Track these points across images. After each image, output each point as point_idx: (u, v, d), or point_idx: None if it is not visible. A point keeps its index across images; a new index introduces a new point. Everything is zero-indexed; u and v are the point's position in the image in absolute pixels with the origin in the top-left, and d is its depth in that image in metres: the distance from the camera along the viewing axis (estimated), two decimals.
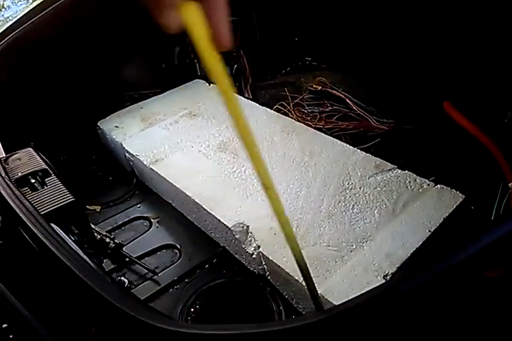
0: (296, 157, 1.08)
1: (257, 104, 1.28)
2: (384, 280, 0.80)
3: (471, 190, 0.98)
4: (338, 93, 1.17)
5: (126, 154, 1.21)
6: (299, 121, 1.20)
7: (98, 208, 1.12)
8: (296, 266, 0.82)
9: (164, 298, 0.91)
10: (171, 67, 1.47)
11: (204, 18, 0.40)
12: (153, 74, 1.44)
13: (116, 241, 0.98)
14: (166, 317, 0.59)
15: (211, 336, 0.50)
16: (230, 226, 0.92)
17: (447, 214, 0.92)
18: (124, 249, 0.98)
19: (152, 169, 1.11)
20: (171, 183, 1.06)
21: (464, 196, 0.96)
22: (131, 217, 1.10)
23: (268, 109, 1.25)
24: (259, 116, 1.23)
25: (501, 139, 0.98)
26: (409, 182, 1.00)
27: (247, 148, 0.48)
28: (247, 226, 0.92)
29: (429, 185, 0.99)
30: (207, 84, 1.41)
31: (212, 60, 0.41)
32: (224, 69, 0.42)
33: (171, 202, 1.15)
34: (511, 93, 1.00)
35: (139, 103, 1.35)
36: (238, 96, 1.33)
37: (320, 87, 1.21)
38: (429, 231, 0.88)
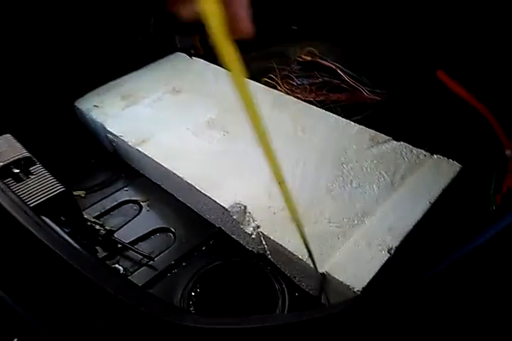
0: (288, 132, 1.06)
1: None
2: (388, 255, 0.80)
3: (468, 159, 0.99)
4: (328, 63, 1.14)
5: (109, 135, 1.16)
6: (288, 94, 1.17)
7: (83, 193, 1.08)
8: (300, 244, 0.82)
9: (162, 283, 0.89)
10: (147, 39, 1.39)
11: (223, 5, 0.39)
12: (129, 48, 1.36)
13: (106, 227, 0.95)
14: (178, 310, 0.58)
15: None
16: (226, 207, 0.90)
17: (446, 185, 0.92)
18: (115, 235, 0.96)
19: (139, 150, 1.07)
20: (160, 164, 1.02)
21: (460, 166, 0.97)
22: (119, 201, 1.07)
23: (256, 82, 1.21)
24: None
25: (496, 106, 0.98)
26: (406, 153, 1.00)
27: (260, 141, 0.51)
28: (245, 207, 0.90)
29: (425, 155, 0.99)
30: (188, 57, 1.34)
31: (228, 49, 0.42)
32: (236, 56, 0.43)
33: (160, 183, 1.12)
34: (504, 60, 1.00)
35: (118, 79, 1.28)
36: (222, 69, 1.28)
37: (309, 58, 1.17)
38: (429, 202, 0.89)
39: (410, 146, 1.01)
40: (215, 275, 0.90)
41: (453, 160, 0.98)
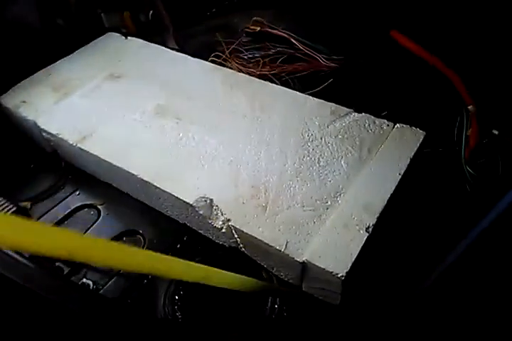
0: (246, 113, 1.00)
1: (188, 56, 1.14)
2: (367, 234, 0.79)
3: (432, 123, 0.99)
4: (279, 32, 1.07)
5: (44, 134, 1.05)
6: (240, 70, 1.10)
7: (28, 204, 0.98)
8: (275, 234, 0.79)
9: (140, 291, 0.84)
10: (70, 21, 1.25)
11: None
12: (51, 32, 1.22)
13: None
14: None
15: None
16: (190, 202, 0.84)
17: (413, 154, 0.91)
18: None
19: (81, 148, 0.97)
20: (109, 162, 0.94)
21: (424, 132, 0.96)
22: (73, 208, 0.98)
23: (202, 60, 1.12)
24: (192, 69, 1.11)
25: (455, 62, 0.97)
26: (369, 125, 0.97)
27: None
28: (211, 200, 0.85)
29: (388, 125, 0.97)
30: (122, 37, 1.23)
31: None
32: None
33: (111, 183, 1.03)
34: (457, 14, 0.98)
35: (45, 69, 1.15)
36: (163, 48, 1.18)
37: (258, 28, 1.09)
38: (400, 174, 0.88)
39: (372, 117, 0.99)
40: None
41: (416, 127, 0.97)
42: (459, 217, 0.90)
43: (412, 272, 0.82)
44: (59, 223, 0.96)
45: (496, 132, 0.96)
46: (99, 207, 0.99)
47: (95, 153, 0.96)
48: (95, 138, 0.98)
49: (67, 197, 1.02)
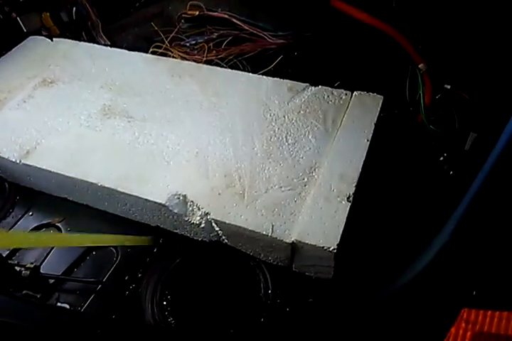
0: (201, 101, 1.00)
1: (124, 50, 1.12)
2: (349, 203, 0.82)
3: (383, 86, 1.04)
4: (219, 14, 1.07)
5: None
6: (184, 59, 1.09)
7: None
8: (259, 219, 0.80)
9: (125, 305, 0.82)
10: None
11: None
12: None
13: (26, 265, 0.83)
14: None
15: None
16: (163, 202, 0.84)
17: (376, 118, 0.96)
18: (41, 270, 0.84)
19: (26, 164, 0.93)
20: (61, 174, 0.91)
21: (382, 97, 1.01)
22: (29, 230, 0.94)
23: (141, 53, 1.11)
24: (133, 64, 1.09)
25: (400, 23, 1.02)
26: (328, 96, 1.01)
27: None
28: (184, 196, 0.84)
29: (346, 94, 1.01)
30: (47, 40, 1.17)
31: None
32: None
33: (66, 196, 1.00)
34: None
35: None
36: (95, 45, 1.15)
37: (196, 12, 1.09)
38: (367, 140, 0.92)
39: (329, 88, 1.02)
40: (180, 274, 0.85)
41: (373, 92, 1.02)
42: (430, 173, 0.96)
43: (398, 237, 0.87)
44: (16, 250, 0.91)
45: (448, 86, 1.02)
46: (58, 224, 0.96)
47: (43, 167, 0.92)
48: (40, 151, 0.94)
49: (19, 220, 0.97)
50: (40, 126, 0.98)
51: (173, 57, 1.12)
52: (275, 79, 1.03)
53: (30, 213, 0.98)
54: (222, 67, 1.10)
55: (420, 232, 0.86)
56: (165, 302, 0.82)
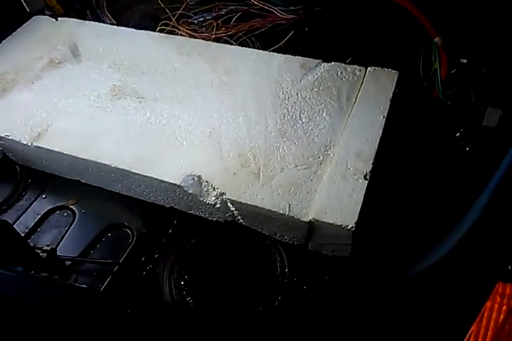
0: (212, 80, 0.98)
1: (132, 29, 1.10)
2: (366, 181, 0.81)
3: (396, 61, 1.02)
4: None
5: None
6: (192, 36, 1.07)
7: None
8: (276, 199, 0.80)
9: (142, 285, 0.83)
10: None
11: None
12: None
13: (43, 247, 0.83)
14: None
15: None
16: (178, 183, 0.83)
17: (391, 94, 0.94)
18: (58, 253, 0.84)
19: (38, 147, 0.92)
20: (73, 156, 0.90)
21: (397, 72, 0.99)
22: (43, 213, 0.94)
23: (149, 31, 1.08)
24: (141, 42, 1.07)
25: None
26: (341, 73, 0.99)
27: None
28: (199, 176, 0.84)
29: (360, 70, 0.99)
30: (52, 19, 1.15)
31: None
32: None
33: (79, 178, 0.99)
34: None
35: None
36: (101, 24, 1.12)
37: None
38: (383, 117, 0.90)
39: (343, 64, 1.00)
40: (197, 254, 0.86)
41: (388, 67, 0.99)
42: (446, 150, 0.95)
43: (415, 214, 0.86)
44: (31, 232, 0.92)
45: (464, 61, 1.00)
46: (71, 207, 0.96)
47: (56, 149, 0.91)
48: (52, 133, 0.93)
49: (32, 203, 0.97)
50: (50, 107, 0.97)
51: (180, 35, 1.10)
52: (287, 55, 1.01)
53: (44, 196, 0.98)
54: (231, 44, 1.07)
55: (437, 209, 0.86)
56: (182, 282, 0.82)
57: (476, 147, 0.95)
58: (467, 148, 0.96)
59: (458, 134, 0.98)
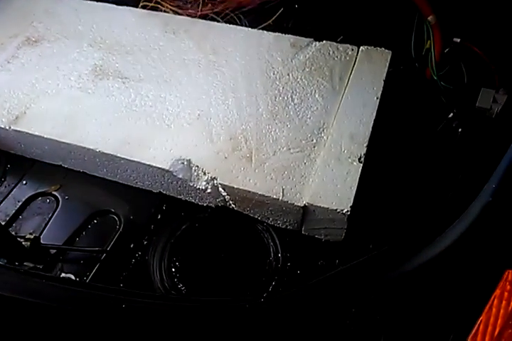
0: (199, 59, 0.94)
1: (113, 5, 1.04)
2: (361, 164, 0.80)
3: (389, 39, 1.00)
4: None
5: None
6: (177, 13, 1.02)
7: None
8: (269, 183, 0.78)
9: (131, 273, 0.80)
10: None
11: None
12: None
13: (26, 236, 0.80)
14: None
15: None
16: (166, 168, 0.80)
17: (385, 75, 0.92)
18: (42, 241, 0.81)
19: (16, 131, 0.88)
20: (54, 140, 0.86)
21: (390, 51, 0.96)
22: (24, 199, 0.90)
23: (131, 7, 1.03)
24: (123, 19, 1.01)
25: None
26: (333, 52, 0.96)
27: None
28: (188, 161, 0.81)
29: (353, 49, 0.97)
30: None
31: None
32: None
33: (61, 163, 0.95)
34: None
35: None
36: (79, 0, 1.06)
37: None
38: (377, 98, 0.88)
39: (335, 43, 0.97)
40: (188, 241, 0.84)
41: (380, 47, 0.97)
42: (439, 131, 0.94)
43: (408, 196, 0.85)
44: (12, 220, 0.88)
45: (457, 40, 0.98)
46: (54, 193, 0.92)
47: (35, 133, 0.87)
48: (30, 116, 0.89)
49: (12, 189, 0.93)
50: (27, 88, 0.92)
51: (164, 11, 1.05)
52: (276, 34, 0.97)
53: (24, 182, 0.94)
54: (218, 21, 1.03)
55: (431, 190, 0.85)
56: (173, 269, 0.80)
57: (468, 128, 0.94)
58: (459, 130, 0.96)
59: (451, 115, 0.97)
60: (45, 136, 0.86)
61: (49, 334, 0.54)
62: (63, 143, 0.86)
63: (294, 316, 0.50)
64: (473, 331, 0.38)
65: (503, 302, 0.38)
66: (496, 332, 0.36)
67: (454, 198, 0.65)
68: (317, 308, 0.50)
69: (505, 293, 0.38)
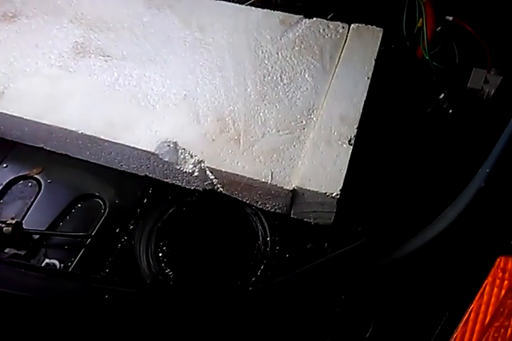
0: (185, 37, 0.90)
1: None
2: (351, 147, 0.78)
3: (379, 17, 0.97)
4: None
5: None
6: None
7: None
8: (258, 166, 0.76)
9: (118, 258, 0.79)
10: None
11: None
12: None
13: (7, 221, 0.78)
14: None
15: None
16: (152, 150, 0.78)
17: (376, 54, 0.90)
18: (24, 226, 0.79)
19: None
20: (34, 121, 0.83)
21: (382, 29, 0.94)
22: (5, 183, 0.88)
23: None
24: None
25: None
26: (323, 30, 0.93)
27: None
28: (174, 143, 0.79)
29: (343, 27, 0.94)
30: None
31: None
32: None
33: (42, 145, 0.93)
34: None
35: None
36: None
37: None
38: (368, 78, 0.87)
39: (325, 21, 0.94)
40: (175, 225, 0.82)
41: (371, 25, 0.95)
42: (430, 112, 0.93)
43: (399, 179, 0.85)
44: None
45: (450, 18, 0.96)
46: (36, 176, 0.89)
47: (15, 114, 0.84)
48: (9, 96, 0.85)
49: None
50: (5, 67, 0.88)
51: None
52: (265, 10, 0.94)
53: (5, 165, 0.91)
54: None
55: (422, 173, 0.85)
56: (161, 254, 0.79)
57: (459, 109, 0.93)
58: (450, 111, 0.94)
59: (442, 96, 0.95)
60: (25, 117, 0.83)
61: (31, 325, 0.53)
62: (43, 124, 0.83)
63: (283, 304, 0.50)
64: (464, 318, 0.38)
65: (495, 289, 0.38)
66: (487, 320, 0.36)
67: (445, 182, 0.65)
68: (306, 296, 0.49)
69: (497, 280, 0.38)
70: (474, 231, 0.46)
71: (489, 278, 0.38)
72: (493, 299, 0.37)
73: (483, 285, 0.38)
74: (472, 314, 0.37)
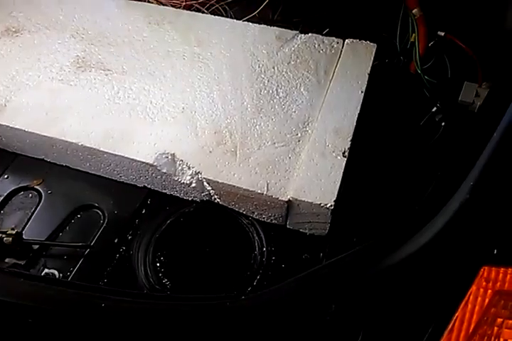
0: (184, 52, 0.93)
1: None
2: (345, 159, 0.80)
3: (374, 32, 1.00)
4: None
5: None
6: (161, 4, 1.01)
7: None
8: (254, 178, 0.78)
9: (116, 269, 0.80)
10: None
11: None
12: None
13: (7, 231, 0.79)
14: None
15: None
16: (150, 162, 0.80)
17: (369, 68, 0.92)
18: (24, 236, 0.81)
19: None
20: (36, 134, 0.85)
21: (375, 45, 0.96)
22: (6, 194, 0.89)
23: None
24: (105, 9, 1.00)
25: None
26: (319, 45, 0.96)
27: None
28: (172, 155, 0.81)
29: (338, 42, 0.97)
30: None
31: None
32: None
33: (43, 157, 0.94)
34: None
35: None
36: None
37: None
38: (362, 92, 0.89)
39: (320, 36, 0.97)
40: (172, 235, 0.84)
41: (365, 40, 0.97)
42: (423, 125, 0.95)
43: (392, 190, 0.86)
44: None
45: (441, 33, 0.98)
46: (37, 187, 0.91)
47: (16, 126, 0.86)
48: (11, 109, 0.88)
49: None
50: (7, 81, 0.90)
51: (148, 1, 1.03)
52: (262, 26, 0.97)
53: (6, 176, 0.92)
54: (203, 12, 1.02)
55: (414, 185, 0.86)
56: (158, 264, 0.81)
57: (451, 122, 0.95)
58: (443, 124, 0.96)
59: (434, 109, 0.97)
60: (27, 130, 0.85)
61: (29, 334, 0.54)
62: (45, 136, 0.85)
63: (275, 314, 0.51)
64: (450, 326, 0.39)
65: (479, 298, 0.39)
66: (472, 328, 0.37)
67: (435, 193, 0.66)
68: (298, 306, 0.50)
69: (481, 290, 0.39)
70: (459, 242, 0.47)
71: (473, 288, 0.39)
72: (477, 307, 0.38)
73: (468, 294, 0.40)
74: (457, 322, 0.39)
